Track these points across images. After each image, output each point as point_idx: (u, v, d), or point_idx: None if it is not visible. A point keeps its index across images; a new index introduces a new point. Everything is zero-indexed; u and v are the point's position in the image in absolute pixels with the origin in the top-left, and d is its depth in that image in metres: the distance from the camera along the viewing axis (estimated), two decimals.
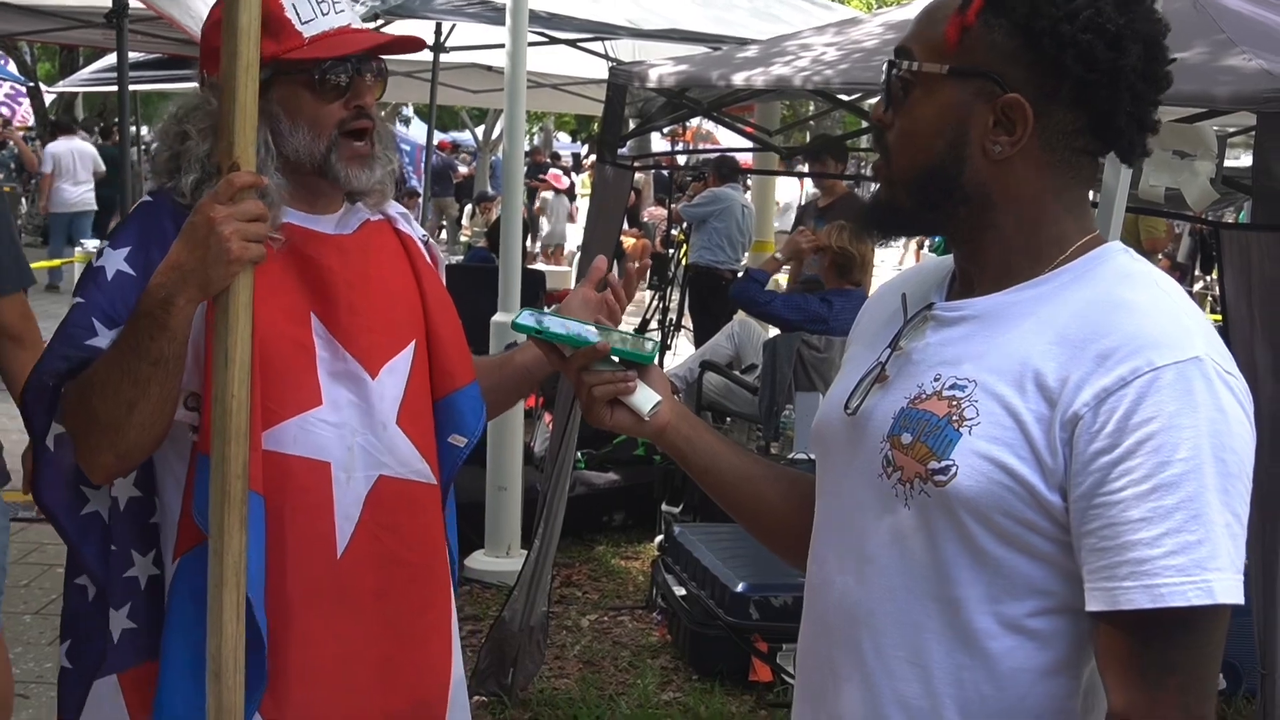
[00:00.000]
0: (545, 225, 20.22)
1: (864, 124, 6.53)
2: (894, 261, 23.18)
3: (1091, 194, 3.57)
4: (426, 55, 9.43)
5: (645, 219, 20.10)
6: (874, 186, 1.76)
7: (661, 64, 5.28)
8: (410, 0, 7.15)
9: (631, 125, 5.37)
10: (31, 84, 21.23)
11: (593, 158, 27.22)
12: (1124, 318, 1.53)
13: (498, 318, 6.31)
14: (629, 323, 10.79)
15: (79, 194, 16.31)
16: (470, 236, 19.64)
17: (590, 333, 1.86)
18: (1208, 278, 13.75)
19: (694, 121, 14.15)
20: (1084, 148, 1.64)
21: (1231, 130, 5.10)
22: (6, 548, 3.65)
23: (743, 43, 6.64)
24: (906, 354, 1.69)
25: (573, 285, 10.69)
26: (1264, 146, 3.27)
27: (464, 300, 2.67)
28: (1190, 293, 12.75)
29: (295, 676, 2.13)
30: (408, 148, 22.58)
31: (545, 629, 5.39)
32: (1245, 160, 5.70)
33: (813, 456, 5.94)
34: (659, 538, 6.52)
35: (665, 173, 18.10)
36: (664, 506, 6.81)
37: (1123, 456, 1.47)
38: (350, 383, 2.20)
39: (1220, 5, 4.28)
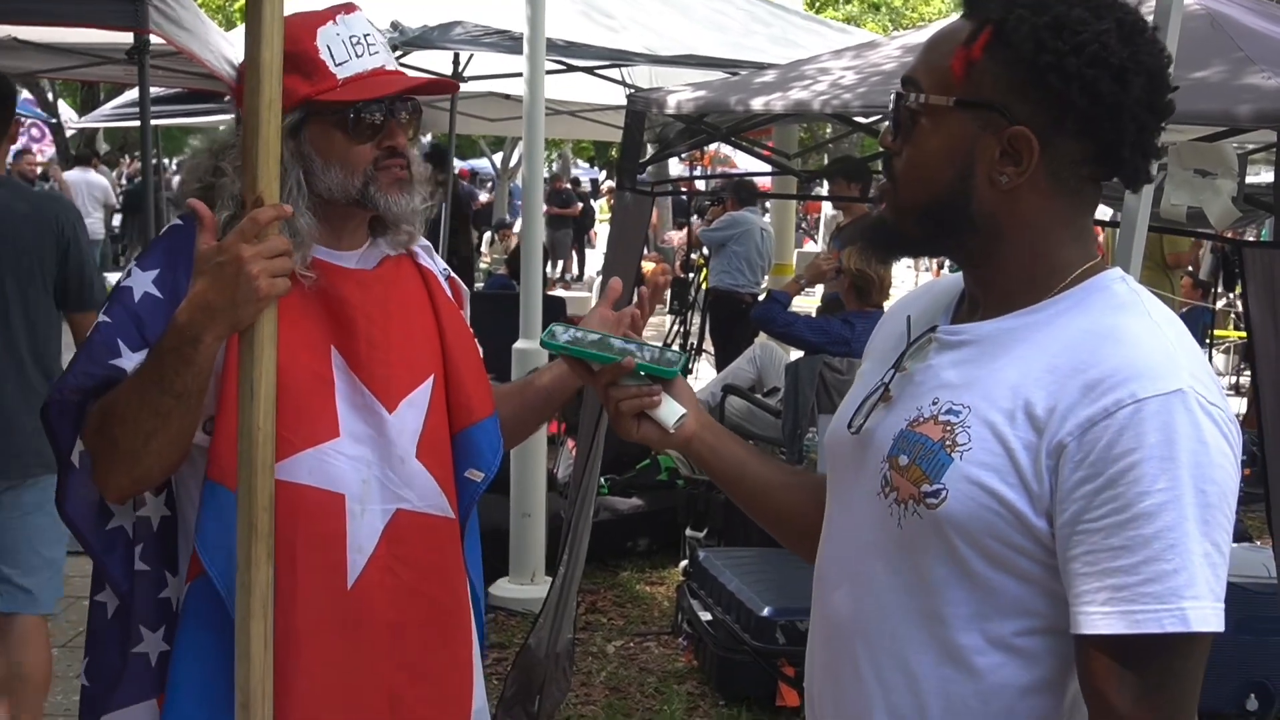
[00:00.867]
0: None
1: (881, 148, 6.55)
2: (913, 282, 23.20)
3: (1113, 214, 3.59)
4: None
5: (663, 244, 20.13)
6: (878, 215, 1.78)
7: (680, 90, 5.30)
8: (429, 31, 7.18)
9: (650, 151, 5.37)
10: (54, 120, 21.37)
11: (609, 183, 27.33)
12: (1112, 348, 1.56)
13: (520, 345, 6.33)
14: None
15: (88, 224, 16.55)
16: (490, 264, 19.70)
17: (616, 347, 1.90)
18: (1230, 295, 13.73)
19: (711, 146, 14.20)
20: (1089, 175, 1.66)
21: (1252, 148, 5.08)
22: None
23: (760, 68, 6.65)
24: (910, 375, 1.73)
25: (593, 298, 10.68)
26: None
27: (485, 327, 2.68)
28: (1213, 310, 12.73)
29: (300, 705, 2.12)
30: None
31: (571, 656, 5.38)
32: (1267, 177, 5.68)
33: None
34: (684, 563, 6.52)
35: (684, 197, 18.16)
36: (688, 531, 6.80)
37: (1105, 485, 1.50)
38: (368, 416, 2.20)
39: (1238, 23, 4.28)
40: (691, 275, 13.92)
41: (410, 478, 2.22)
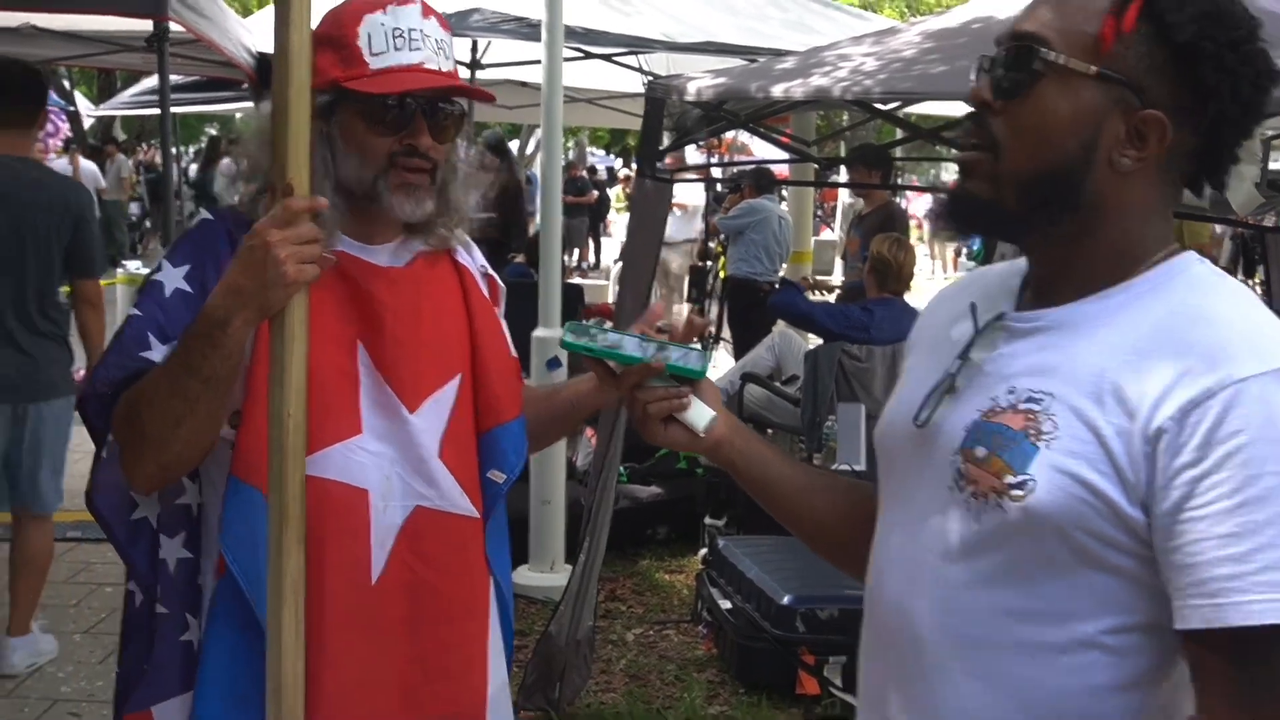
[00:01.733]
0: None
1: (899, 134, 6.52)
2: (929, 272, 23.16)
3: None
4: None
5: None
6: (960, 182, 1.67)
7: (699, 77, 5.28)
8: (446, 17, 7.17)
9: (668, 139, 5.37)
10: (72, 108, 21.42)
11: (625, 171, 27.24)
12: (1204, 330, 1.50)
13: (539, 333, 6.33)
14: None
15: None
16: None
17: (641, 348, 1.84)
18: (1250, 281, 13.70)
19: (729, 134, 14.14)
20: (1188, 168, 1.62)
21: (1272, 133, 5.06)
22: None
23: (778, 54, 6.64)
24: (978, 365, 1.66)
25: (610, 297, 10.65)
26: None
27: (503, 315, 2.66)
28: None
29: (324, 698, 2.12)
30: None
31: (591, 643, 5.39)
32: None
33: (856, 468, 5.96)
34: (703, 551, 6.52)
35: (700, 185, 18.14)
36: (707, 520, 6.81)
37: (1209, 470, 1.43)
38: (389, 414, 2.20)
39: (1258, 6, 4.26)
40: (709, 264, 13.92)
41: (431, 476, 2.22)
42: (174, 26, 5.75)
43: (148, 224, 23.37)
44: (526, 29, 7.16)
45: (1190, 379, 1.45)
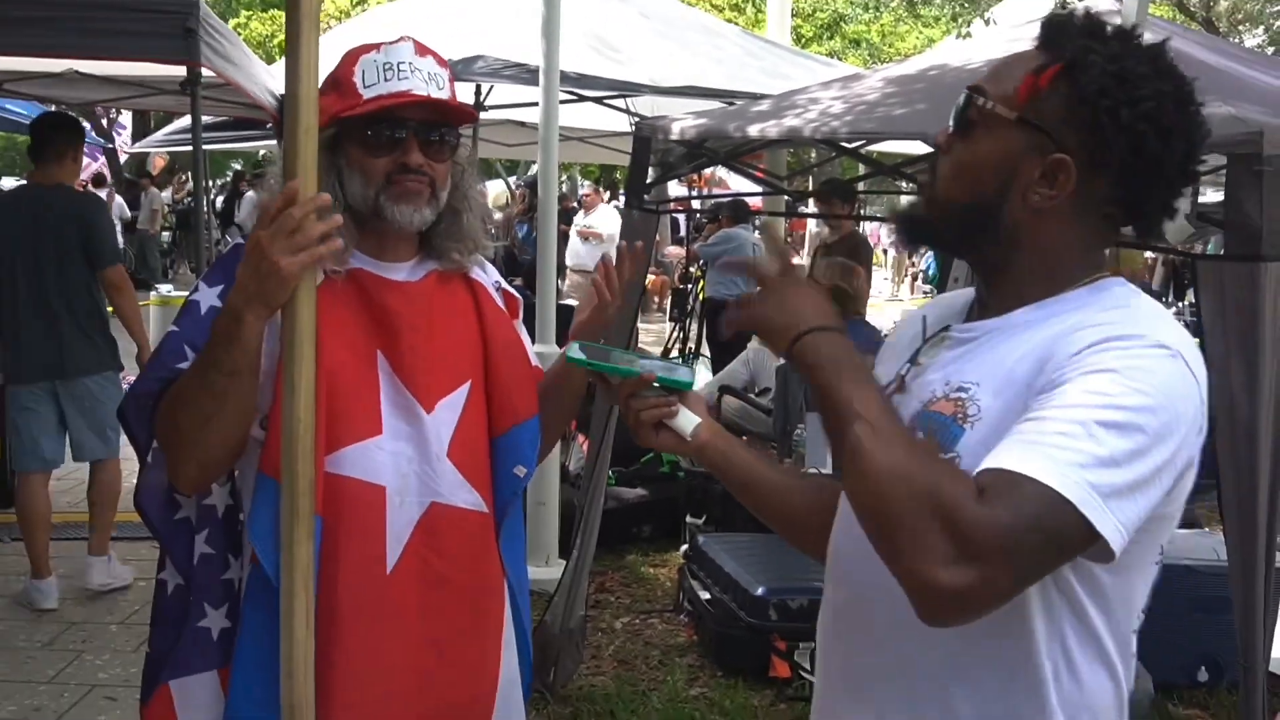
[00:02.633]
0: None
1: (863, 169, 6.54)
2: (890, 293, 23.21)
3: None
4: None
5: (663, 258, 20.13)
6: (911, 202, 1.78)
7: (683, 118, 5.30)
8: (453, 64, 7.17)
9: (654, 174, 5.37)
10: (109, 145, 21.40)
11: (617, 201, 27.26)
12: (1110, 316, 1.57)
13: (536, 348, 6.30)
14: (652, 351, 10.83)
15: None
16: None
17: (636, 364, 1.89)
18: (1180, 304, 13.76)
19: (708, 169, 14.18)
20: (1111, 216, 1.67)
21: (1202, 170, 5.09)
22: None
23: (754, 97, 6.66)
24: (923, 368, 1.73)
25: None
26: (1234, 184, 3.27)
27: None
28: None
29: (340, 681, 2.12)
30: None
31: (583, 631, 5.39)
32: (1216, 197, 5.69)
33: (823, 471, 5.94)
34: (684, 547, 6.52)
35: (680, 216, 18.14)
36: (688, 518, 6.80)
37: (1067, 379, 1.49)
38: (408, 415, 2.19)
39: (1191, 57, 4.29)
40: (689, 286, 13.96)
41: (443, 474, 2.22)
42: (205, 72, 5.75)
43: (174, 251, 23.34)
44: (525, 74, 7.17)
45: (1082, 339, 1.52)
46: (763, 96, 6.27)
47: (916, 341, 1.78)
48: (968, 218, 1.67)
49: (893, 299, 22.27)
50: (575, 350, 1.87)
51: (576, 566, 5.22)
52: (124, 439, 2.50)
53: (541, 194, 6.72)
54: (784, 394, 6.73)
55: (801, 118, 4.73)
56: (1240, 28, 10.79)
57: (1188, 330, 1.62)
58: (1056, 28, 1.66)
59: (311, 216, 1.92)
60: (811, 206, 9.67)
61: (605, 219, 14.58)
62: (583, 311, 2.46)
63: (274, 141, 9.59)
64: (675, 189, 15.89)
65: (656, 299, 18.52)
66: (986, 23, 11.28)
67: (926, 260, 21.06)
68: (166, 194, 23.09)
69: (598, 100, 8.81)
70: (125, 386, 3.61)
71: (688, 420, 1.91)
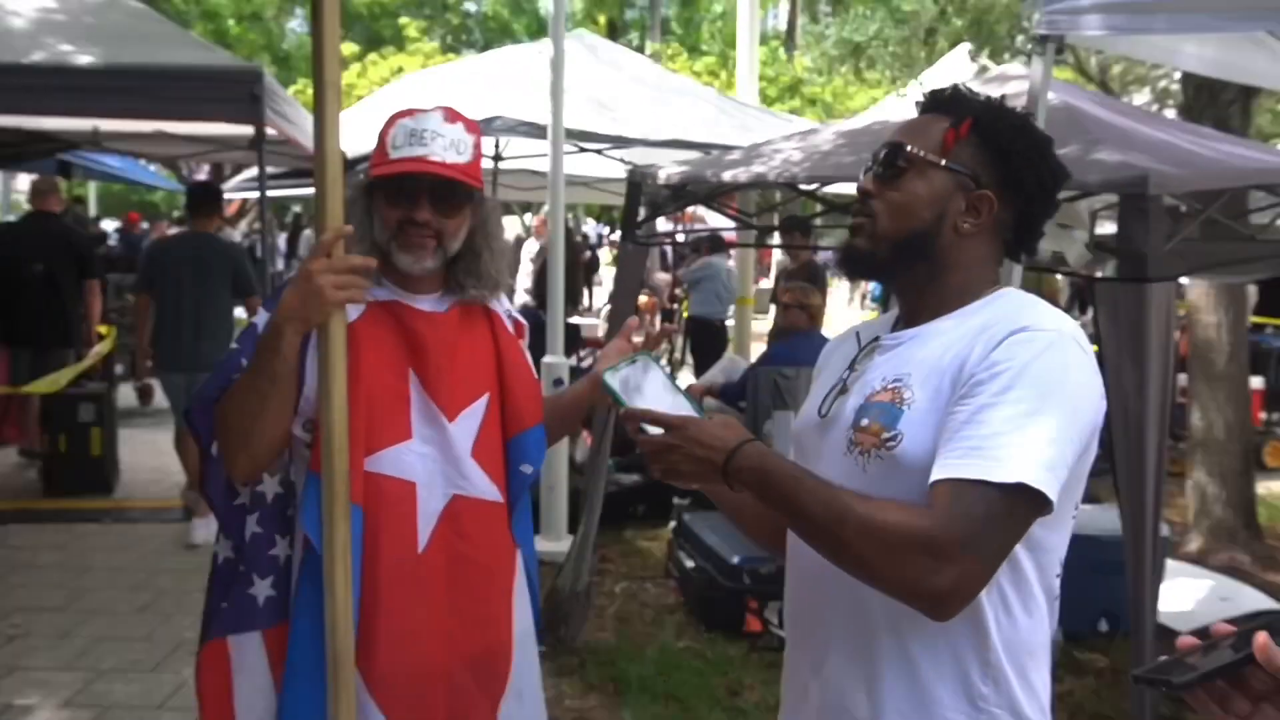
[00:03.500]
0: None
1: (819, 207, 6.56)
2: (845, 305, 23.19)
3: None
4: (488, 163, 9.51)
5: (653, 283, 20.11)
6: (849, 240, 1.78)
7: (668, 166, 5.32)
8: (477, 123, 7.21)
9: (644, 213, 5.39)
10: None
11: (613, 236, 27.21)
12: (1013, 313, 1.62)
13: (546, 359, 6.37)
14: None
15: None
16: (520, 303, 19.64)
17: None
18: (1084, 318, 13.76)
19: (690, 208, 14.21)
20: (1007, 240, 1.74)
21: (1099, 206, 5.11)
22: None
23: (727, 148, 6.67)
24: (861, 372, 1.75)
25: (600, 334, 10.55)
26: (1125, 219, 3.30)
27: None
28: None
29: (381, 641, 2.13)
30: None
31: (589, 594, 5.39)
32: (1111, 229, 5.72)
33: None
34: (672, 523, 6.51)
35: (667, 247, 18.13)
36: (676, 500, 6.80)
37: (984, 380, 1.53)
38: (434, 423, 2.21)
39: (1087, 113, 4.33)
40: (675, 306, 14.02)
41: (466, 471, 2.23)
42: (269, 130, 5.77)
43: None
44: (536, 130, 7.18)
45: (991, 337, 1.57)
46: (734, 148, 6.28)
47: (852, 352, 1.81)
48: (907, 246, 1.69)
49: (848, 305, 22.30)
50: (610, 382, 1.71)
51: (582, 540, 5.24)
52: None
53: (550, 229, 6.74)
54: (754, 395, 6.72)
55: (767, 165, 4.75)
56: (1130, 88, 10.81)
57: (1088, 339, 1.65)
58: (951, 95, 1.74)
59: (353, 258, 1.97)
60: (776, 238, 9.69)
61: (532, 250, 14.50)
62: (619, 344, 2.37)
63: None
64: (663, 225, 15.89)
65: (648, 316, 18.52)
66: (920, 84, 11.30)
67: (874, 284, 21.07)
68: (239, 231, 23.04)
69: (597, 151, 8.81)
70: None
71: None
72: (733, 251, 12.09)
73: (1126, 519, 3.32)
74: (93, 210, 22.21)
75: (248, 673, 2.22)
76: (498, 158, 9.54)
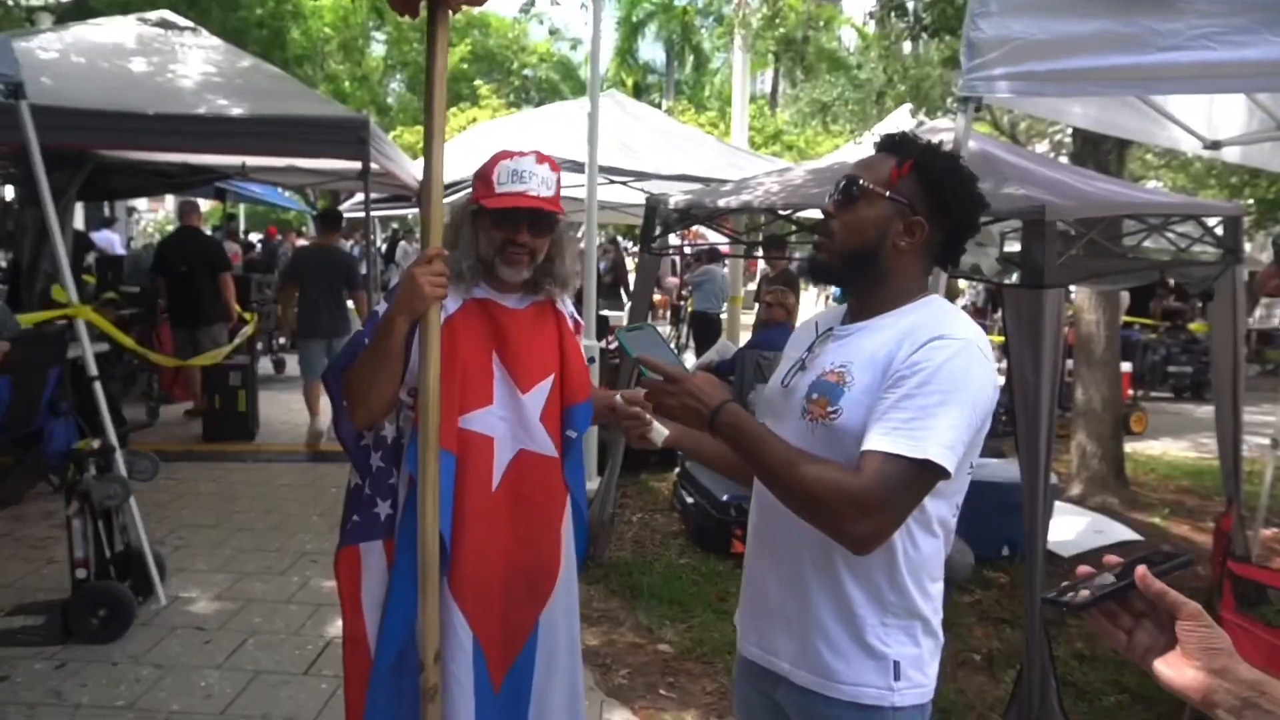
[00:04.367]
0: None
1: (793, 228, 6.53)
2: (811, 303, 23.09)
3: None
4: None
5: (665, 285, 20.07)
6: (813, 254, 1.78)
7: (676, 194, 5.30)
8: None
9: (659, 229, 5.37)
10: (315, 213, 21.34)
11: (635, 248, 27.12)
12: (934, 320, 1.59)
13: (582, 342, 6.34)
14: None
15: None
16: None
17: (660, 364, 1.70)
18: (995, 315, 13.66)
19: (694, 227, 14.18)
20: (935, 255, 1.71)
21: (1008, 229, 5.07)
22: None
23: (722, 181, 6.64)
24: (817, 354, 1.73)
25: (625, 323, 10.57)
26: (1026, 239, 3.26)
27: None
28: (985, 325, 12.70)
29: (463, 554, 2.14)
30: None
31: (613, 521, 5.41)
32: (1014, 247, 5.69)
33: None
34: (677, 469, 6.53)
35: (676, 257, 18.09)
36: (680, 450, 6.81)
37: (904, 377, 1.52)
38: (511, 393, 2.20)
39: (999, 157, 4.28)
40: (682, 303, 13.98)
41: (533, 432, 2.22)
42: (373, 165, 5.77)
43: None
44: (576, 166, 7.14)
45: (915, 340, 1.55)
46: (728, 181, 6.25)
47: (811, 337, 1.80)
48: (857, 258, 1.67)
49: (815, 305, 22.20)
50: (621, 335, 1.74)
51: (608, 481, 5.24)
52: None
53: (586, 242, 6.71)
54: (741, 372, 6.71)
55: (752, 194, 4.72)
56: (1033, 139, 10.70)
57: (989, 333, 1.64)
58: (899, 139, 1.72)
59: (444, 266, 1.98)
60: (760, 251, 9.66)
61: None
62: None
63: (416, 209, 9.60)
64: (673, 239, 15.84)
65: (661, 311, 18.49)
66: (873, 135, 11.19)
67: (834, 289, 20.96)
68: (350, 242, 23.07)
69: (623, 183, 8.79)
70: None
71: (658, 433, 1.96)
72: (726, 261, 12.05)
73: (1024, 470, 3.29)
74: (242, 226, 22.27)
75: (373, 571, 2.24)
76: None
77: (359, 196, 11.01)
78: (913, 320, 1.62)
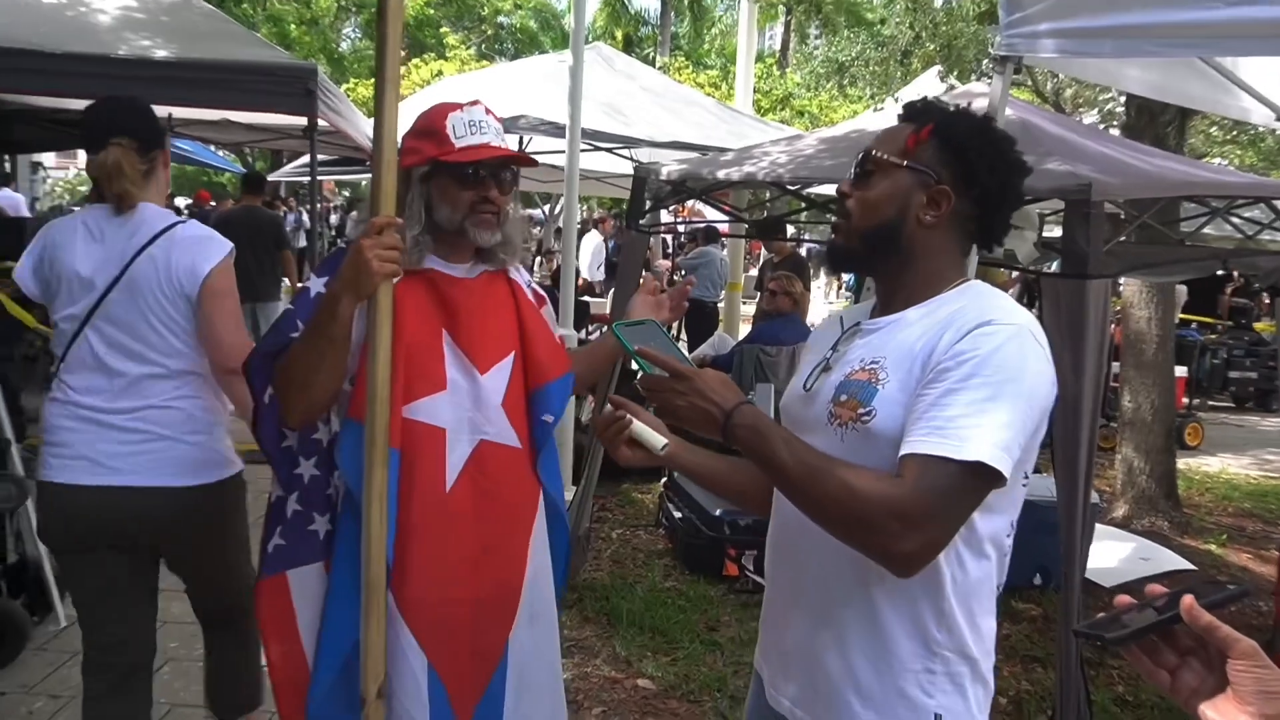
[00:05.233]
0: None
1: (802, 205, 6.52)
2: (822, 298, 23.14)
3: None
4: None
5: (655, 268, 20.06)
6: (830, 238, 1.77)
7: (669, 164, 5.28)
8: (501, 121, 7.17)
9: (648, 204, 5.35)
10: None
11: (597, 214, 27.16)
12: (977, 305, 1.58)
13: (559, 331, 6.32)
14: None
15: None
16: (539, 279, 19.61)
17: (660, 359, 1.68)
18: (1032, 310, 13.70)
19: (689, 201, 14.16)
20: (970, 231, 1.69)
21: (1047, 211, 5.08)
22: None
23: (722, 150, 6.63)
24: (842, 353, 1.71)
25: (607, 312, 10.50)
26: (1069, 222, 3.26)
27: None
28: None
29: (413, 568, 2.12)
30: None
31: (589, 538, 5.40)
32: (1055, 231, 5.70)
33: None
34: (664, 479, 6.52)
35: (668, 237, 18.10)
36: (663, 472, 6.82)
37: (950, 368, 1.49)
38: (466, 376, 2.18)
39: (1040, 127, 4.28)
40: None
41: (494, 419, 2.20)
42: (321, 122, 5.73)
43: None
44: (556, 129, 7.14)
45: (958, 329, 1.53)
46: (728, 150, 6.24)
47: (836, 334, 1.77)
48: (877, 238, 1.67)
49: (825, 299, 22.23)
50: (620, 328, 1.71)
51: (584, 490, 5.22)
52: None
53: (565, 217, 6.69)
54: (740, 368, 6.71)
55: (756, 166, 4.71)
56: (1080, 109, 10.74)
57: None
58: (921, 106, 1.72)
59: (397, 237, 1.96)
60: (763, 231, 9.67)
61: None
62: (643, 298, 2.42)
63: (369, 175, 9.59)
64: (664, 216, 15.85)
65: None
66: (895, 100, 11.23)
67: (848, 276, 20.96)
68: (288, 213, 23.03)
69: (608, 149, 8.77)
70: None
71: (657, 440, 1.78)
72: (725, 242, 12.04)
73: (1061, 486, 3.30)
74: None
75: (309, 599, 2.21)
76: (522, 152, 9.50)
77: (305, 158, 10.97)
78: (955, 307, 1.59)
